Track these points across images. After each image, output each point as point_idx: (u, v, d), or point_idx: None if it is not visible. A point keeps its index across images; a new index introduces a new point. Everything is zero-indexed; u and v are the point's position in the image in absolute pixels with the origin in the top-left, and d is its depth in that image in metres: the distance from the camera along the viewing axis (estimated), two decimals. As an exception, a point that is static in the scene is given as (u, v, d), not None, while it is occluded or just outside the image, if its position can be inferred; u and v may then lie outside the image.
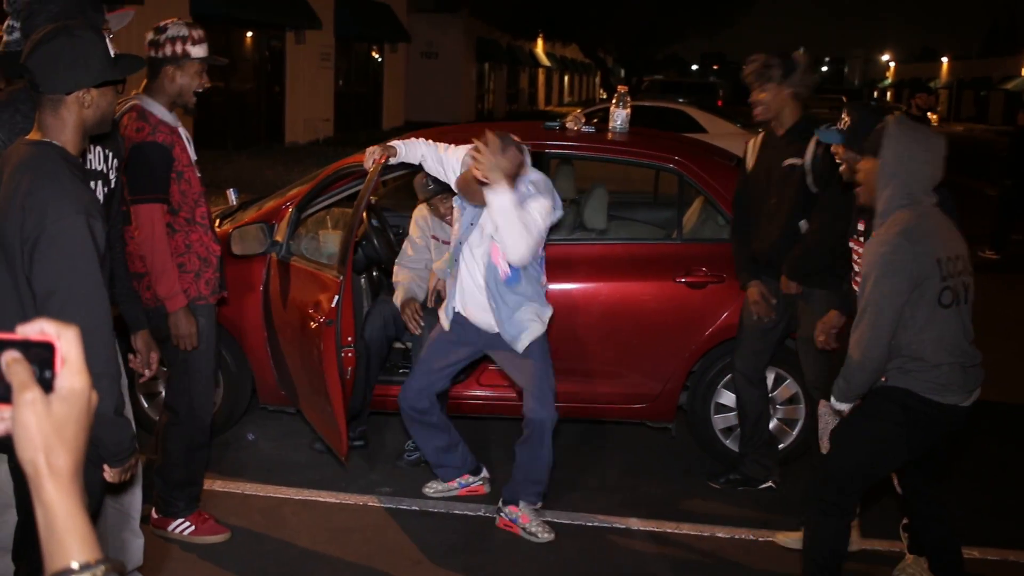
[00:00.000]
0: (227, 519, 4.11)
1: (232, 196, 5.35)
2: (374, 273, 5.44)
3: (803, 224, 4.22)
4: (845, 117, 3.71)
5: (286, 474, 4.66)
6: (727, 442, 4.85)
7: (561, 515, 4.32)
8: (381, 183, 5.14)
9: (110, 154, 3.12)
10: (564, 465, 4.85)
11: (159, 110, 3.63)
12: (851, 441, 3.29)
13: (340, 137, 23.89)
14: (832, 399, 3.34)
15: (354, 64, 27.56)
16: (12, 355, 1.02)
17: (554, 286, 4.46)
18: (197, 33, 3.65)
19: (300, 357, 4.36)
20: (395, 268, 4.87)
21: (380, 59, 29.70)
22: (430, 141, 4.24)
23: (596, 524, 4.30)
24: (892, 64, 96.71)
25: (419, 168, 4.37)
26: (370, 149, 4.18)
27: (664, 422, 4.93)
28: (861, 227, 3.64)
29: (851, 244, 3.72)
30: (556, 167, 5.65)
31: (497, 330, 4.03)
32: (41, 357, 1.04)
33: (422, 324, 4.63)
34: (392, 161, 4.20)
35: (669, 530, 4.26)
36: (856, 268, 3.63)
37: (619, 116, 5.31)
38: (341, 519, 4.26)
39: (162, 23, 3.66)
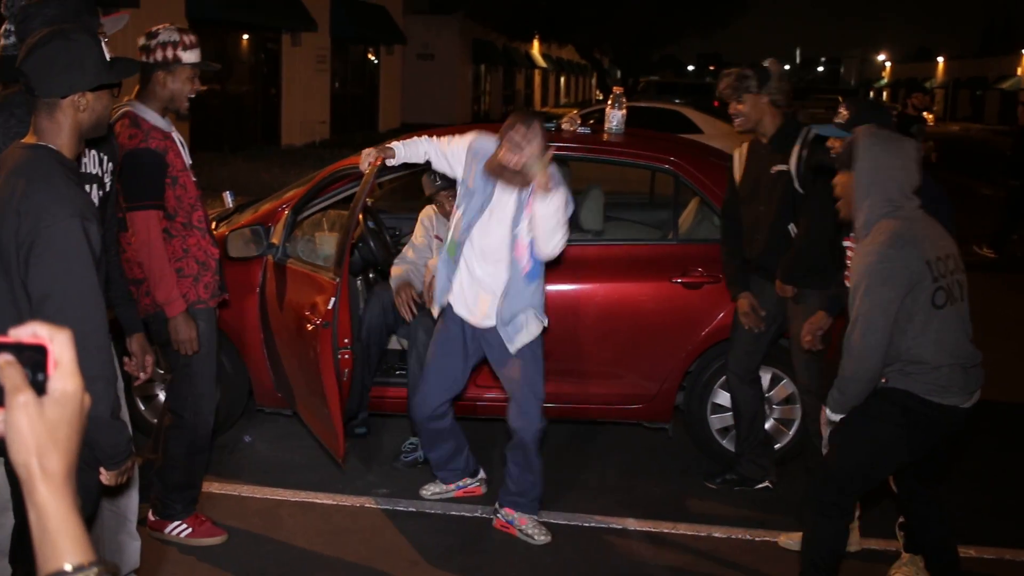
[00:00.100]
0: (224, 521, 4.11)
1: (228, 199, 5.36)
2: (370, 275, 5.45)
3: (792, 228, 4.25)
4: (843, 111, 3.73)
5: (283, 476, 4.66)
6: (723, 442, 4.86)
7: (558, 516, 4.33)
8: (378, 185, 5.14)
9: (105, 157, 3.12)
10: (561, 466, 4.86)
11: (152, 116, 3.62)
12: (851, 442, 3.29)
13: (336, 139, 23.89)
14: (827, 410, 3.34)
15: (350, 66, 27.57)
16: (5, 358, 1.03)
17: (550, 287, 4.45)
18: (189, 39, 3.64)
19: (297, 359, 4.36)
20: (392, 269, 4.87)
21: (376, 61, 29.70)
22: (432, 137, 4.17)
23: (593, 525, 4.30)
24: (888, 64, 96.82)
25: (416, 170, 4.36)
26: (366, 151, 4.15)
27: (661, 422, 4.94)
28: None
29: (845, 243, 3.73)
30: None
31: (491, 324, 4.00)
32: (34, 360, 1.04)
33: (415, 311, 4.62)
34: (392, 163, 4.17)
35: (666, 530, 4.27)
36: (849, 264, 3.63)
37: (615, 117, 5.32)
38: (338, 520, 4.26)
39: (153, 28, 3.65)
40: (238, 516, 4.24)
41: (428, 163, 4.20)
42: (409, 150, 4.14)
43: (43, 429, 1.02)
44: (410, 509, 4.36)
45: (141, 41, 3.64)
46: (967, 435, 3.89)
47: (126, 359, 3.36)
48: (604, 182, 5.74)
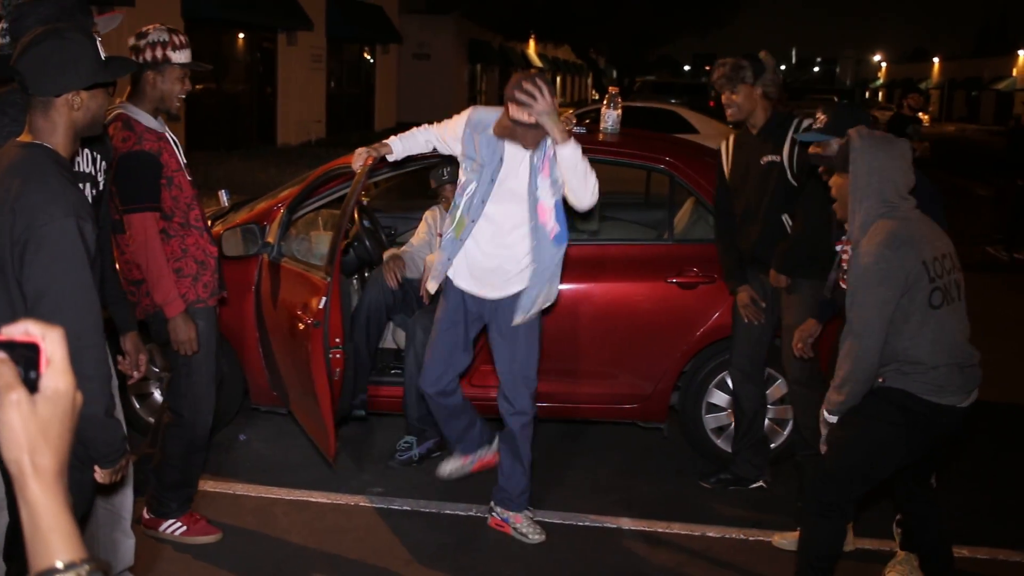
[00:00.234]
0: (219, 519, 4.11)
1: (224, 197, 5.36)
2: (366, 274, 5.45)
3: (786, 219, 4.26)
4: (820, 115, 3.75)
5: (278, 474, 4.66)
6: (718, 442, 4.87)
7: (553, 515, 4.33)
8: (372, 184, 5.14)
9: (98, 156, 3.11)
10: (556, 465, 4.87)
11: (144, 117, 3.61)
12: (850, 442, 3.29)
13: (332, 138, 23.87)
14: (824, 412, 3.35)
15: (346, 65, 27.56)
16: (-3, 356, 1.03)
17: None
18: (179, 39, 3.63)
19: (290, 358, 4.37)
20: (386, 252, 4.89)
21: (372, 60, 29.69)
22: (427, 126, 4.13)
23: (588, 524, 4.31)
24: (884, 64, 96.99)
25: (417, 167, 4.34)
26: (359, 151, 4.13)
27: (656, 422, 4.94)
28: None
29: (837, 247, 3.73)
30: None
31: (499, 295, 3.96)
32: (26, 358, 1.04)
33: (400, 280, 4.69)
34: (392, 158, 4.16)
35: (660, 530, 4.27)
36: (845, 268, 3.63)
37: (610, 117, 5.32)
38: (333, 519, 4.26)
39: (144, 29, 3.64)
40: (233, 514, 4.24)
41: (432, 152, 4.18)
42: (407, 143, 4.13)
43: (35, 427, 1.03)
44: (405, 508, 4.37)
45: (131, 41, 3.62)
46: (965, 435, 3.90)
47: (120, 358, 3.36)
48: (599, 182, 5.72)
